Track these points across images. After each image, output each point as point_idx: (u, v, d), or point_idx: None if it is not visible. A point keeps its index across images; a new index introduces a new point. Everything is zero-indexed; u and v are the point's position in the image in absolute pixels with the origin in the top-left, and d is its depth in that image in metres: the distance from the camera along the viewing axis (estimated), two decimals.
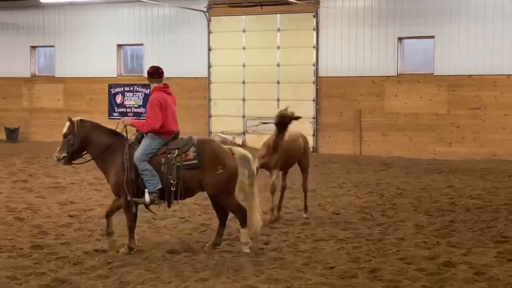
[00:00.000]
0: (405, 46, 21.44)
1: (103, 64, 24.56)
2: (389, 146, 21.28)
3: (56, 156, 8.72)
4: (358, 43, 21.58)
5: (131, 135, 8.70)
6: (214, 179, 8.38)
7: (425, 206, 12.11)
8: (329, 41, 21.94)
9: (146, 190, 8.38)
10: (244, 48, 22.96)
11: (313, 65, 22.11)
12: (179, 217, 10.96)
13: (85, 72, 24.81)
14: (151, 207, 8.76)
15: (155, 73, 8.84)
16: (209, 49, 23.31)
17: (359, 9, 21.55)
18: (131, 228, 8.56)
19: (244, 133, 23.09)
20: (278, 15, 22.56)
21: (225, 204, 8.66)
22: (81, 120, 8.78)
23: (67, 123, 8.74)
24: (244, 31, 22.94)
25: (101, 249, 8.70)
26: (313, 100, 22.23)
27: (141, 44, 24.29)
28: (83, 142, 8.66)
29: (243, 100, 23.06)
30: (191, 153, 8.40)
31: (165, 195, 8.46)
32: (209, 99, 23.50)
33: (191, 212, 11.47)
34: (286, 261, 8.13)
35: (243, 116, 23.12)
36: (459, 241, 9.21)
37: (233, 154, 8.59)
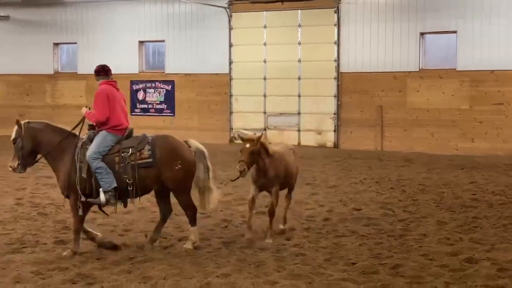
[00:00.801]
0: (427, 41, 21.28)
1: (125, 60, 24.67)
2: (410, 142, 21.16)
3: (10, 166, 8.39)
4: (379, 39, 21.47)
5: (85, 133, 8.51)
6: (173, 174, 8.30)
7: (447, 202, 12.04)
8: (351, 36, 21.85)
9: (100, 189, 8.16)
10: (265, 44, 22.95)
11: (334, 60, 22.04)
12: (200, 213, 10.98)
13: None
14: (105, 208, 8.54)
15: (101, 70, 8.75)
16: (230, 45, 23.33)
17: (380, 4, 21.43)
18: (77, 230, 8.27)
19: (265, 129, 23.08)
20: (299, 11, 22.50)
21: (180, 200, 8.54)
22: (28, 122, 8.48)
23: (15, 127, 8.40)
24: (265, 27, 22.92)
25: (123, 244, 8.75)
26: (334, 96, 22.17)
27: (163, 41, 24.37)
28: (33, 144, 8.36)
29: (264, 96, 23.05)
30: (146, 152, 8.27)
31: (120, 195, 8.29)
32: (230, 95, 23.52)
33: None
34: (307, 257, 8.14)
35: (264, 112, 23.11)
36: (482, 238, 9.15)
37: (189, 147, 8.57)
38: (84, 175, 8.16)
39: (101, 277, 7.17)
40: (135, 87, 24.75)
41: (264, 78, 22.96)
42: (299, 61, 22.50)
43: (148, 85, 24.62)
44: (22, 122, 8.45)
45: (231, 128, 23.58)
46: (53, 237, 9.08)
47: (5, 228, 9.63)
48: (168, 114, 24.38)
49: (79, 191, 8.16)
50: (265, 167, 8.94)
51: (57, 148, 8.33)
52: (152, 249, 8.46)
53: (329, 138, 22.41)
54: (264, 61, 22.91)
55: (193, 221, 8.54)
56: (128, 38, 24.69)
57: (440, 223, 10.23)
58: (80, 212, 8.24)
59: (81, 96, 25.56)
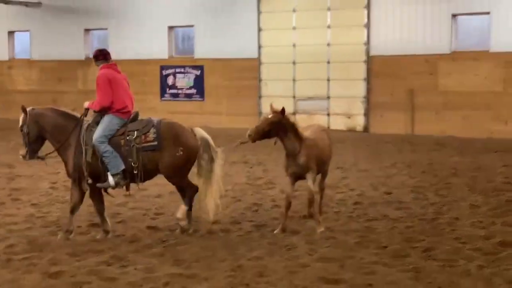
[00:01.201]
0: (459, 23, 21.01)
1: (154, 46, 24.78)
2: (442, 125, 20.95)
3: (21, 155, 8.42)
4: (410, 21, 21.24)
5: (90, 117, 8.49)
6: (173, 160, 8.19)
7: (480, 186, 11.94)
8: (381, 19, 21.65)
9: (109, 173, 8.12)
10: (294, 28, 22.85)
11: (364, 44, 21.87)
12: (231, 197, 11.07)
13: (137, 54, 25.08)
14: (111, 190, 8.52)
15: (100, 55, 8.64)
16: (259, 30, 23.28)
17: None
18: (73, 209, 8.30)
19: (294, 114, 23.02)
20: None
21: (176, 183, 8.51)
22: (32, 108, 8.46)
23: (22, 115, 8.39)
24: (294, 10, 22.80)
25: (156, 227, 8.86)
26: (364, 80, 22.02)
27: (192, 26, 24.41)
28: (38, 130, 8.34)
29: (294, 80, 22.98)
30: (151, 135, 8.19)
31: (127, 177, 8.24)
32: (259, 80, 23.51)
33: (243, 191, 11.58)
34: (338, 240, 8.15)
35: (294, 97, 23.06)
36: None
37: (195, 135, 8.42)
38: (89, 159, 8.12)
39: (134, 260, 7.26)
40: (164, 72, 24.86)
41: (293, 62, 22.89)
42: (329, 44, 22.37)
43: (178, 70, 24.71)
44: (27, 109, 8.41)
45: (260, 113, 23.57)
46: (87, 220, 9.22)
47: (41, 211, 9.80)
48: (197, 99, 24.47)
49: (86, 174, 8.13)
50: (294, 151, 8.51)
51: (62, 132, 8.30)
52: (184, 232, 8.54)
53: (359, 122, 22.31)
54: (294, 45, 22.82)
55: (189, 202, 8.44)
56: (158, 24, 24.77)
57: (473, 206, 10.16)
58: (85, 188, 8.23)
59: None
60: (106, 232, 8.36)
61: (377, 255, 7.44)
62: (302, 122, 22.68)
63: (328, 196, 10.97)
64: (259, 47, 23.29)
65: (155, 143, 8.17)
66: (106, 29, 25.82)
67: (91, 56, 26.89)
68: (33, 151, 8.39)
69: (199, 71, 24.26)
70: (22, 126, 8.34)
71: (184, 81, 24.62)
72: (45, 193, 11.35)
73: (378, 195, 11.19)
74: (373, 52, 21.81)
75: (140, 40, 25.04)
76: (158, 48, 24.73)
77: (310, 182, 8.66)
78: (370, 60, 21.86)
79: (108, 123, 8.24)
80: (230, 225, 9.04)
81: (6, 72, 27.55)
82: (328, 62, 22.39)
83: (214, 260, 7.26)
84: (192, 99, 24.54)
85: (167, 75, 24.84)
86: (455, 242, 7.99)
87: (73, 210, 8.30)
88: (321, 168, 9.07)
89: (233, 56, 23.57)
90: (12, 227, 8.80)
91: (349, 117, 22.40)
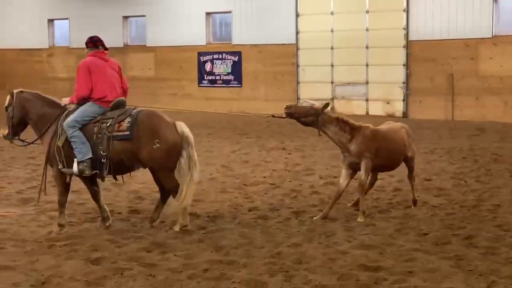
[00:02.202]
0: (500, 6, 20.59)
1: (192, 32, 24.86)
2: (483, 110, 20.63)
3: (2, 134, 8.38)
4: (450, 5, 20.90)
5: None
6: (150, 152, 7.77)
7: None
8: (420, 3, 21.35)
9: (75, 159, 7.85)
10: (332, 13, 22.68)
11: (403, 28, 21.60)
12: (270, 183, 11.07)
13: (175, 40, 25.19)
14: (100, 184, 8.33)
15: (89, 41, 8.35)
16: (297, 15, 23.15)
17: None
18: (61, 203, 8.09)
19: (332, 99, 22.91)
20: None
21: (163, 180, 8.08)
22: (20, 91, 8.33)
23: (8, 96, 8.30)
24: None
25: (194, 214, 8.90)
26: (403, 65, 21.77)
27: (229, 12, 24.39)
28: (22, 113, 8.23)
29: (332, 66, 22.84)
30: (125, 124, 7.82)
31: (99, 167, 7.90)
32: (297, 66, 23.41)
33: (281, 178, 11.56)
34: (378, 227, 8.09)
35: (332, 82, 22.93)
36: None
37: (176, 129, 7.94)
38: (60, 144, 7.89)
39: (174, 246, 7.31)
40: (202, 58, 24.93)
41: (332, 48, 22.74)
42: (367, 29, 22.15)
43: (215, 56, 24.75)
44: (14, 91, 8.32)
45: (298, 99, 23.48)
46: (127, 207, 9.31)
47: (81, 197, 9.90)
48: (235, 85, 24.49)
49: (58, 159, 7.93)
50: (342, 141, 8.54)
51: (46, 120, 8.14)
52: (223, 219, 8.57)
53: (398, 107, 22.09)
54: (332, 31, 22.66)
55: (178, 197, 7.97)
56: (195, 10, 24.82)
57: None
58: (68, 180, 8.04)
59: (150, 68, 25.93)
60: (104, 219, 8.23)
61: (417, 242, 7.37)
62: (340, 107, 22.67)
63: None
64: (297, 32, 23.17)
65: (127, 132, 7.78)
66: (144, 16, 25.96)
67: (129, 43, 27.22)
68: (14, 133, 8.35)
69: (237, 57, 24.26)
70: (7, 107, 8.29)
71: (221, 67, 24.65)
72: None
73: (417, 182, 11.02)
74: (412, 37, 21.54)
75: (178, 27, 25.13)
76: (195, 34, 24.79)
77: (362, 170, 8.60)
78: (409, 45, 21.60)
79: (84, 109, 7.98)
80: (269, 212, 9.03)
81: (46, 60, 27.93)
82: (367, 47, 22.19)
83: (253, 247, 7.26)
84: (230, 85, 24.57)
85: (205, 61, 24.90)
86: (497, 230, 7.87)
87: (60, 203, 8.10)
88: (390, 161, 9.00)
89: (270, 42, 23.52)
90: (54, 214, 8.92)
91: (388, 103, 22.20)
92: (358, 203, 8.94)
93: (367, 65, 22.27)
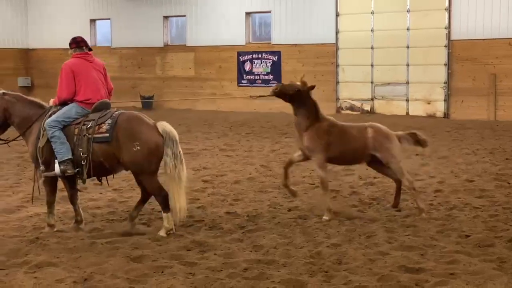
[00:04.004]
0: None
1: (232, 32, 24.94)
2: None
3: None
4: (493, 3, 20.58)
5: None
6: (130, 155, 7.60)
7: None
8: (463, 2, 21.07)
9: (56, 160, 7.78)
10: (372, 13, 22.52)
11: (445, 28, 21.34)
12: (309, 183, 11.04)
13: (214, 40, 25.31)
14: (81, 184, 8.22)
15: (72, 42, 8.25)
16: (337, 15, 23.05)
17: None
18: (49, 203, 8.03)
19: (372, 99, 22.76)
20: None
21: (145, 184, 7.92)
22: (3, 93, 8.23)
23: None
24: None
25: (234, 213, 8.92)
26: (445, 65, 21.51)
27: (269, 12, 24.40)
28: (5, 115, 8.14)
29: (372, 65, 22.69)
30: (105, 126, 7.69)
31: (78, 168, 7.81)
32: (337, 65, 23.31)
33: None
34: (419, 228, 8.00)
35: (372, 82, 22.77)
36: None
37: (157, 130, 7.74)
38: (41, 145, 7.84)
39: (214, 245, 7.34)
40: (242, 58, 24.99)
41: (372, 47, 22.58)
42: (408, 29, 21.95)
43: (255, 56, 24.79)
44: None
45: (337, 99, 23.41)
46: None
47: (122, 196, 10.02)
48: (274, 84, 24.43)
49: (40, 161, 7.87)
50: (301, 127, 8.64)
51: (27, 121, 8.09)
52: (262, 219, 8.58)
53: (439, 107, 21.83)
54: (372, 30, 22.51)
55: (165, 207, 7.76)
56: (235, 10, 24.90)
57: None
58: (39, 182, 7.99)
59: (189, 68, 26.09)
60: (78, 222, 8.14)
61: (459, 244, 7.27)
62: (379, 107, 22.53)
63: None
64: (337, 32, 23.07)
65: (107, 135, 7.65)
66: (184, 16, 26.13)
67: (169, 43, 27.46)
68: None
69: (276, 57, 24.27)
70: None
71: (261, 67, 24.67)
72: (125, 178, 11.57)
73: (459, 183, 10.92)
74: (454, 36, 21.28)
75: (218, 27, 25.24)
76: (235, 34, 24.87)
77: (316, 167, 8.77)
78: (451, 45, 21.33)
79: (66, 110, 7.92)
80: (308, 211, 9.00)
81: None
82: (408, 47, 21.99)
83: (292, 247, 7.25)
84: (269, 85, 24.54)
85: (244, 61, 24.96)
86: None
87: (48, 203, 8.04)
88: (345, 157, 8.91)
89: (310, 42, 23.47)
90: (96, 211, 9.05)
91: (428, 103, 21.95)
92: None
93: (407, 65, 22.06)
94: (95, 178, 8.20)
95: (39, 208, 9.16)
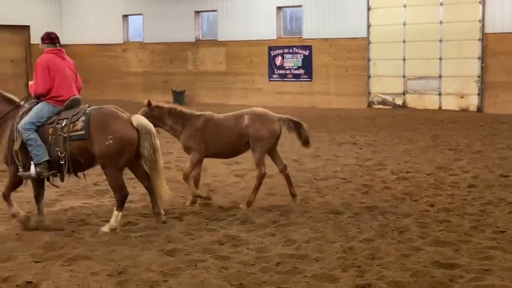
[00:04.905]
0: None
1: (263, 26, 24.92)
2: None
3: None
4: None
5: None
6: (101, 149, 7.56)
7: None
8: None
9: (32, 162, 7.73)
10: (404, 6, 22.31)
11: (479, 21, 21.05)
12: (340, 178, 11.01)
13: (246, 35, 25.32)
14: (56, 181, 8.15)
15: (46, 37, 8.14)
16: (369, 9, 22.88)
17: None
18: (4, 196, 7.99)
19: (404, 94, 22.59)
20: None
21: (108, 179, 7.86)
22: None
23: None
24: None
25: (266, 207, 8.94)
26: (478, 58, 21.23)
27: (300, 6, 24.33)
28: None
29: (404, 59, 22.49)
30: (80, 123, 7.65)
31: (57, 168, 7.78)
32: (368, 60, 23.16)
33: (352, 173, 11.48)
34: (452, 223, 7.94)
35: (403, 76, 22.59)
36: None
37: (132, 124, 7.70)
38: (16, 147, 7.77)
39: (246, 239, 7.36)
40: (273, 53, 24.96)
41: (404, 41, 22.39)
42: (441, 22, 21.70)
43: (286, 50, 24.74)
44: None
45: (369, 93, 23.27)
46: (200, 200, 9.38)
47: None
48: (305, 79, 24.43)
49: (17, 162, 7.81)
50: (177, 134, 8.98)
51: (2, 118, 8.01)
52: (294, 213, 8.58)
53: (472, 102, 21.57)
54: (404, 24, 22.31)
55: (120, 205, 7.76)
56: (266, 4, 24.87)
57: None
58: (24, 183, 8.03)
59: (221, 63, 26.15)
60: (40, 221, 7.99)
61: (494, 240, 7.19)
62: (412, 102, 22.35)
63: (440, 178, 10.73)
64: (369, 26, 22.91)
65: (83, 132, 7.63)
66: (215, 11, 26.18)
67: (200, 38, 27.51)
68: None
69: (307, 51, 24.19)
70: None
71: (292, 62, 24.62)
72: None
73: (493, 178, 10.79)
74: (488, 30, 20.98)
75: (249, 21, 25.24)
76: (266, 28, 24.85)
77: (188, 162, 9.01)
78: (485, 38, 21.04)
79: (38, 110, 7.85)
80: (340, 206, 8.99)
81: (121, 55, 28.54)
82: (440, 41, 21.75)
83: (325, 242, 7.25)
84: (300, 79, 24.54)
85: (275, 55, 24.92)
86: None
87: (4, 196, 8.02)
88: (225, 149, 9.07)
89: (341, 36, 23.34)
90: (129, 205, 9.12)
91: (462, 97, 21.71)
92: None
93: (440, 59, 21.82)
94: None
95: (74, 202, 9.30)
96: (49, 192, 9.84)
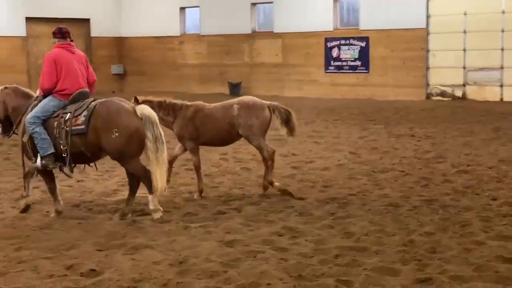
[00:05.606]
0: None
1: (319, 18, 24.76)
2: None
3: None
4: None
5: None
6: (110, 143, 7.65)
7: None
8: None
9: (38, 154, 7.92)
10: None
11: None
12: (399, 171, 10.89)
13: (302, 26, 25.20)
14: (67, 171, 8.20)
15: (57, 32, 8.24)
16: None
17: None
18: (51, 190, 8.19)
19: (464, 85, 22.15)
20: None
21: (129, 168, 7.91)
22: (5, 87, 8.45)
23: None
24: None
25: (324, 200, 8.91)
26: None
27: None
28: (5, 109, 8.35)
29: (464, 50, 22.04)
30: (81, 118, 7.73)
31: (63, 160, 7.92)
32: (427, 51, 22.77)
33: (411, 165, 11.33)
34: None
35: (464, 67, 22.14)
36: None
37: (136, 114, 7.75)
38: (25, 139, 8.00)
39: (305, 231, 7.35)
40: (329, 44, 24.79)
41: (464, 32, 21.93)
42: (503, 12, 21.17)
43: (343, 42, 24.54)
44: None
45: (427, 85, 22.90)
46: (258, 191, 9.44)
47: (214, 181, 10.17)
48: (362, 71, 24.20)
49: (29, 154, 8.05)
50: (169, 125, 9.17)
51: (17, 112, 8.29)
52: (353, 205, 8.53)
53: None
54: (464, 14, 21.85)
55: (150, 188, 7.83)
56: None
57: None
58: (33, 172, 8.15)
59: (276, 55, 26.11)
60: (58, 212, 8.13)
61: None
62: (472, 93, 21.88)
63: (503, 172, 10.50)
64: (428, 16, 22.52)
65: (82, 127, 7.73)
66: (271, 2, 26.14)
67: (257, 30, 27.52)
68: (4, 129, 8.50)
69: (364, 43, 23.95)
70: None
71: (348, 53, 24.41)
72: (216, 164, 11.78)
73: None
74: None
75: (305, 13, 25.12)
76: (323, 20, 24.68)
77: (190, 152, 9.27)
78: None
79: (44, 104, 8.00)
80: (399, 199, 8.89)
81: (178, 47, 28.79)
82: (502, 31, 21.23)
83: (384, 234, 7.18)
84: (357, 71, 24.32)
85: (332, 47, 24.75)
86: None
87: (51, 190, 8.24)
88: (216, 138, 9.24)
89: (399, 27, 23.02)
90: (188, 196, 9.23)
91: None
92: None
93: (502, 49, 21.31)
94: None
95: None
96: (110, 183, 10.06)
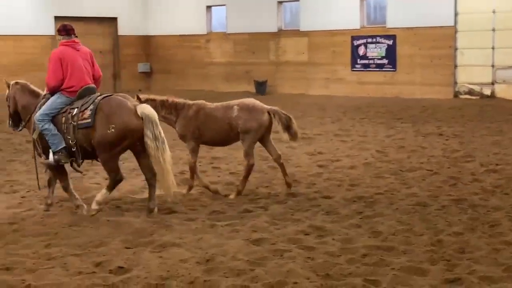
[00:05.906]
0: None
1: (346, 16, 24.63)
2: None
3: (8, 124, 8.85)
4: None
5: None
6: (101, 136, 7.78)
7: None
8: None
9: (50, 150, 8.05)
10: None
11: None
12: (427, 170, 10.80)
13: (328, 25, 25.10)
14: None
15: (62, 29, 8.34)
16: None
17: None
18: (65, 188, 8.31)
19: (493, 84, 21.90)
20: None
21: (104, 163, 8.03)
22: (16, 82, 8.62)
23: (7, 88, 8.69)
24: None
25: (350, 199, 8.88)
26: None
27: None
28: (15, 104, 8.54)
29: (493, 48, 21.78)
30: (88, 112, 7.88)
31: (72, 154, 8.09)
32: (455, 49, 22.55)
33: (439, 164, 11.24)
34: None
35: (492, 66, 21.89)
36: None
37: (136, 113, 7.82)
38: (35, 136, 8.17)
39: (331, 230, 7.34)
40: (356, 42, 24.67)
41: (493, 30, 21.68)
42: None
43: (369, 40, 24.40)
44: (10, 83, 8.64)
45: (455, 83, 22.69)
46: (284, 190, 9.42)
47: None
48: (389, 69, 24.04)
49: (39, 151, 8.24)
50: (171, 123, 9.28)
51: (26, 109, 8.44)
52: (380, 204, 8.48)
53: None
54: (493, 11, 21.59)
55: (110, 188, 8.05)
56: None
57: None
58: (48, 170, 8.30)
59: (303, 53, 26.05)
60: (77, 207, 8.24)
61: None
62: (500, 92, 21.63)
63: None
64: (456, 14, 22.30)
65: (89, 120, 7.87)
66: (298, 0, 26.08)
67: (283, 28, 27.48)
68: (14, 122, 8.72)
69: (391, 41, 23.78)
70: (6, 98, 8.68)
71: (375, 51, 24.27)
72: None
73: None
74: None
75: (331, 11, 25.02)
76: (349, 18, 24.55)
77: (189, 151, 9.27)
78: None
79: (51, 102, 8.14)
80: (427, 198, 8.82)
81: (204, 46, 28.86)
82: None
83: (412, 234, 7.14)
84: (384, 69, 24.17)
85: (358, 45, 24.62)
86: None
87: (65, 188, 8.35)
88: (216, 138, 9.24)
89: (427, 25, 22.82)
90: (215, 194, 9.24)
91: None
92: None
93: None
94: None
95: (161, 190, 9.46)
96: (138, 180, 10.12)
